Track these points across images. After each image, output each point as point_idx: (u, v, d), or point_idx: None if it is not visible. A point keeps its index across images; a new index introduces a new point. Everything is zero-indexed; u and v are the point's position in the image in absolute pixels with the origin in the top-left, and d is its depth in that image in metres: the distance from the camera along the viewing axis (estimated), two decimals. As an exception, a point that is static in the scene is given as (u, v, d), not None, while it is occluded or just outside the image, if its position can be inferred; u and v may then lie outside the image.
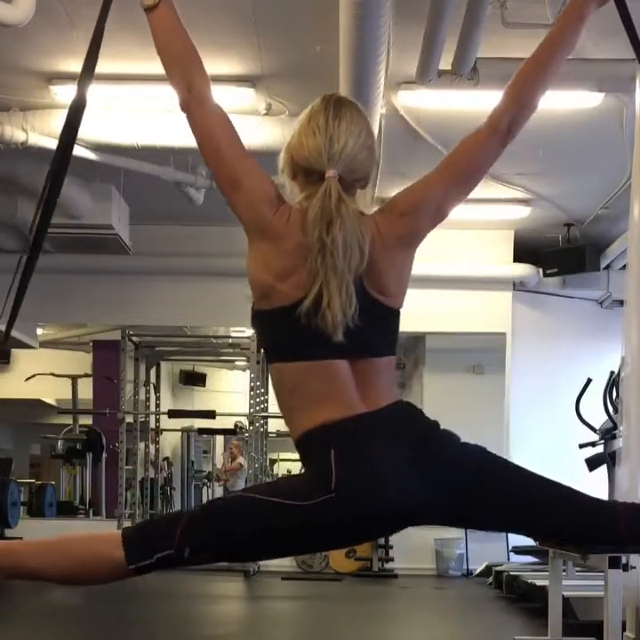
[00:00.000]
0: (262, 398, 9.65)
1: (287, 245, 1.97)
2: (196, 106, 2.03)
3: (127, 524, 8.92)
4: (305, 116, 2.05)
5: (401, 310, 2.04)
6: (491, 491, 1.97)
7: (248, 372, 9.46)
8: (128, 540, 1.93)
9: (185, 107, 2.04)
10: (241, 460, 12.59)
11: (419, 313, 8.40)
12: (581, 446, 7.02)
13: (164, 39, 2.05)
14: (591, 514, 2.00)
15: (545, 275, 9.22)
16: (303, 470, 2.00)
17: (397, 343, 2.05)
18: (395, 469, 1.90)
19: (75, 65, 6.06)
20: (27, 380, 11.98)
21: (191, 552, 1.92)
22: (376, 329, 1.98)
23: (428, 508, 1.96)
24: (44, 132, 6.46)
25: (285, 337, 1.97)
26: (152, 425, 11.00)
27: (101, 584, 2.03)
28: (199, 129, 2.09)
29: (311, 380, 1.95)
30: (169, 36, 2.06)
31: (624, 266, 6.57)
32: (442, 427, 2.01)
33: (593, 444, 7.04)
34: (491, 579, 7.97)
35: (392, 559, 9.08)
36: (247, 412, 9.29)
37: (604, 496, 7.07)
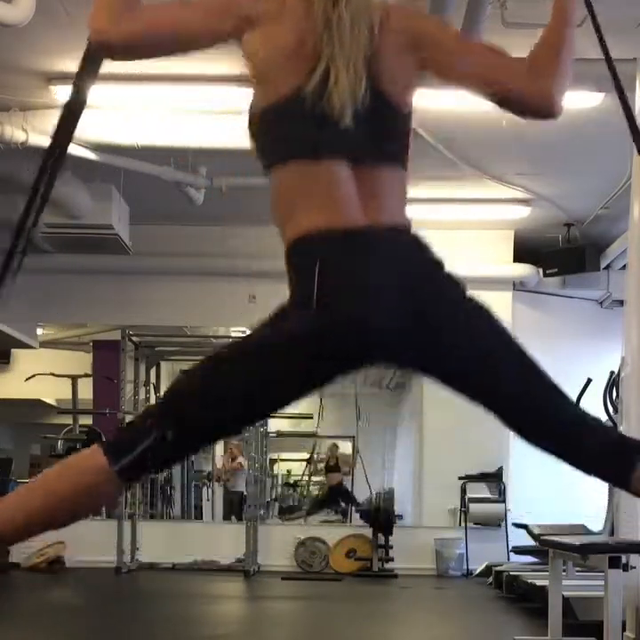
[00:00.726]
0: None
1: (286, 27, 1.83)
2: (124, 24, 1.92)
3: (127, 523, 8.93)
4: None
5: (411, 119, 1.90)
6: (474, 356, 1.84)
7: (248, 371, 9.46)
8: (107, 444, 1.81)
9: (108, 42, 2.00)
10: (241, 459, 12.58)
11: (419, 313, 8.40)
12: (581, 446, 7.01)
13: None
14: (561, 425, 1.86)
15: (545, 275, 9.22)
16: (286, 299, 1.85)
17: (407, 160, 1.87)
18: (382, 291, 1.76)
19: (75, 65, 6.06)
20: (27, 379, 11.96)
21: (174, 434, 1.78)
22: (385, 130, 1.84)
23: (405, 340, 1.80)
24: (44, 132, 6.46)
25: (287, 133, 1.82)
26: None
27: (94, 507, 1.91)
28: (148, 40, 2.04)
29: (309, 183, 1.80)
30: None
31: (624, 266, 6.57)
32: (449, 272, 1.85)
33: (593, 444, 7.03)
34: (491, 579, 7.97)
35: (392, 559, 9.08)
36: (247, 412, 9.28)
37: (603, 496, 7.09)
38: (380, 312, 1.77)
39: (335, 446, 12.93)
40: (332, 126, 1.79)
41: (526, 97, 1.92)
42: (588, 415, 1.87)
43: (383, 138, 1.84)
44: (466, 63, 1.92)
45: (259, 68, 1.87)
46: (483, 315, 1.86)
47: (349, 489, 12.43)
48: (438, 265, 1.84)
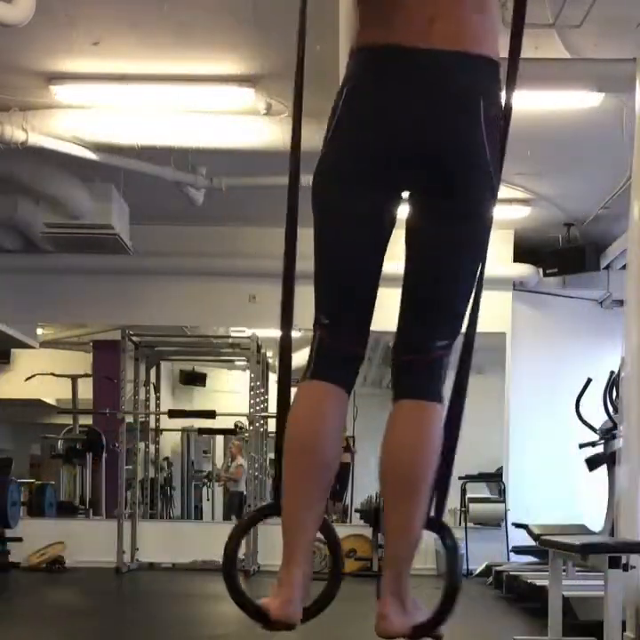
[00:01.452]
0: (262, 398, 9.64)
1: None
2: None
3: (127, 524, 8.92)
4: None
5: None
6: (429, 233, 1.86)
7: (248, 371, 9.45)
8: (314, 371, 1.88)
9: None
10: (240, 460, 12.58)
11: (419, 313, 8.39)
12: (581, 446, 7.02)
13: None
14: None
15: (545, 274, 9.22)
16: None
17: None
18: (399, 122, 1.76)
19: (75, 65, 6.07)
20: (27, 379, 11.96)
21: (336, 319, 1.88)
22: None
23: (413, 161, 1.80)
24: (43, 132, 6.47)
25: None
26: (152, 425, 10.98)
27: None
28: None
29: None
30: None
31: (624, 266, 6.57)
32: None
33: (593, 444, 7.04)
34: (491, 579, 7.96)
35: (392, 559, 9.07)
36: (247, 411, 9.28)
37: (603, 496, 7.09)
38: (390, 138, 1.77)
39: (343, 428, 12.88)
40: None
41: None
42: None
43: None
44: None
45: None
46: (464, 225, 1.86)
47: (349, 485, 12.41)
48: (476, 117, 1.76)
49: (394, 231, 1.92)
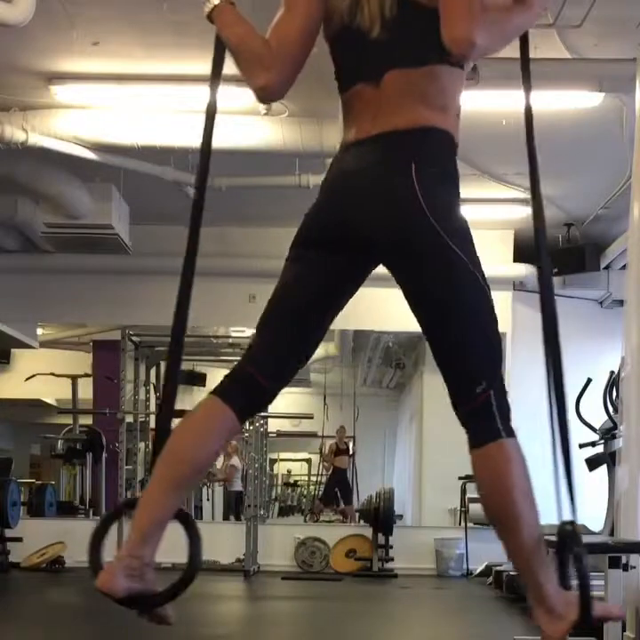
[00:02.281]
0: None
1: None
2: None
3: (127, 524, 8.90)
4: None
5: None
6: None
7: (248, 371, 9.46)
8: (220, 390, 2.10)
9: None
10: (234, 460, 12.59)
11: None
12: (581, 446, 7.02)
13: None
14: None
15: (545, 274, 9.21)
16: None
17: (442, 48, 1.92)
18: (346, 193, 1.99)
19: (75, 65, 6.07)
20: (27, 379, 11.97)
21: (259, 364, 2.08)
22: (414, 33, 1.97)
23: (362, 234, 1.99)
24: (43, 132, 6.47)
25: (340, 62, 2.08)
26: (152, 425, 10.99)
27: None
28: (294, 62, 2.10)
29: (352, 102, 2.04)
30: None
31: (624, 266, 6.57)
32: (438, 208, 1.95)
33: (593, 444, 7.05)
34: (491, 579, 7.97)
35: (392, 559, 9.08)
36: (247, 411, 9.27)
37: (603, 496, 7.09)
38: (341, 208, 1.99)
39: (343, 429, 12.86)
40: (366, 41, 1.98)
41: (447, 39, 1.92)
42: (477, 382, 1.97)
43: (413, 38, 1.97)
44: None
45: (327, 11, 2.05)
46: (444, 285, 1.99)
47: (350, 485, 12.43)
48: (402, 189, 1.94)
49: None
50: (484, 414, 1.96)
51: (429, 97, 1.96)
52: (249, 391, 2.05)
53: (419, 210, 1.91)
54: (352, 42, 2.01)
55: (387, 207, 1.94)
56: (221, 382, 2.09)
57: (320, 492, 13.12)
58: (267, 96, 2.12)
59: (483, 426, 1.96)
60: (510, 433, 1.97)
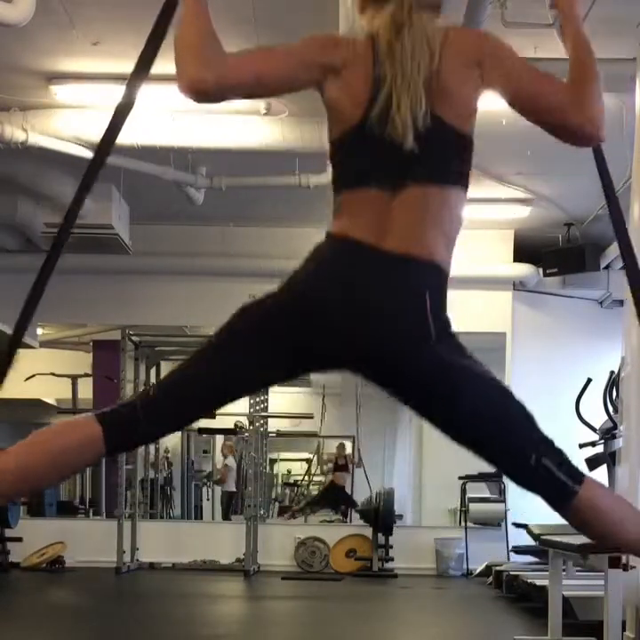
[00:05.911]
0: (262, 398, 9.64)
1: (360, 73, 1.93)
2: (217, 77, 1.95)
3: (127, 523, 8.93)
4: None
5: (472, 139, 1.98)
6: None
7: (248, 371, 9.46)
8: (102, 414, 2.05)
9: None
10: (229, 460, 12.59)
11: (419, 313, 8.39)
12: (581, 446, 7.01)
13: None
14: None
15: (545, 274, 9.22)
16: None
17: (467, 177, 1.95)
18: (357, 310, 1.89)
19: (75, 65, 6.07)
20: (27, 379, 11.96)
21: (150, 411, 2.01)
22: (442, 152, 1.93)
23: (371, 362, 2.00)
24: (43, 132, 6.47)
25: (350, 159, 1.95)
26: (152, 425, 11.00)
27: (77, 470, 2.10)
28: (240, 87, 2.03)
29: (353, 202, 1.92)
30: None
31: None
32: (455, 336, 1.98)
33: (593, 444, 7.04)
34: (491, 579, 7.97)
35: (392, 559, 9.08)
36: (247, 411, 9.28)
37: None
38: (342, 327, 1.90)
39: (342, 446, 12.89)
40: (394, 150, 1.89)
41: (578, 126, 2.02)
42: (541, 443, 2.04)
43: (439, 160, 1.92)
44: (526, 87, 1.99)
45: (333, 108, 1.98)
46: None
47: (349, 492, 12.41)
48: (444, 323, 1.94)
49: None
50: (549, 477, 2.04)
51: (442, 223, 1.92)
52: (133, 435, 2.04)
53: (427, 336, 1.93)
54: (370, 147, 1.92)
55: (397, 328, 1.91)
56: (112, 410, 2.06)
57: (311, 498, 13.10)
58: (192, 87, 1.94)
59: (557, 486, 2.04)
60: (580, 480, 2.02)
